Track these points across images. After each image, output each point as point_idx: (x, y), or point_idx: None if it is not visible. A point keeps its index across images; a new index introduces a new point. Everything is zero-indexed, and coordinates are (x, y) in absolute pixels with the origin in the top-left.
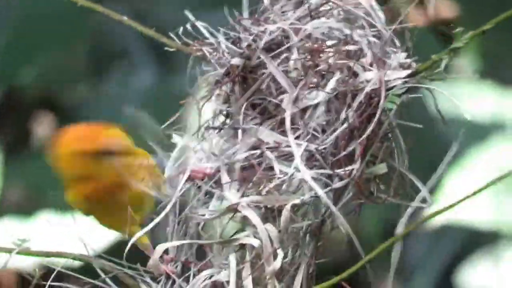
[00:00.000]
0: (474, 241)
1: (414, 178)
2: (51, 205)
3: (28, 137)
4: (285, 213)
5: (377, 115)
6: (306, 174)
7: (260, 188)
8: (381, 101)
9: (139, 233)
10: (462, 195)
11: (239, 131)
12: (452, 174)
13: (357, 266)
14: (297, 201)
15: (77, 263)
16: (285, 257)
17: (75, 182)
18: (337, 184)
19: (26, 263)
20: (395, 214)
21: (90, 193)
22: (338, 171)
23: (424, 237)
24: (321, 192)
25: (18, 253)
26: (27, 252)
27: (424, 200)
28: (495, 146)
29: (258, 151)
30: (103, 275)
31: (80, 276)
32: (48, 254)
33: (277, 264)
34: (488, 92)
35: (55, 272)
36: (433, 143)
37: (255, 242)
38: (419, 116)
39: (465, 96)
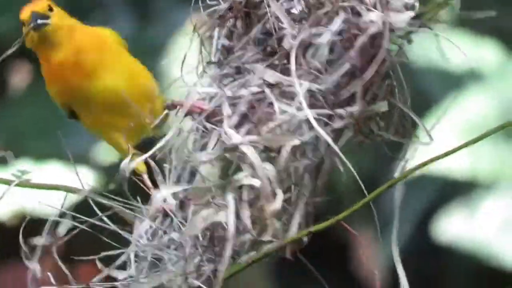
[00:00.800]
0: (449, 191)
1: (416, 117)
2: (29, 154)
3: (5, 86)
4: (285, 153)
5: (380, 55)
6: (309, 113)
7: (260, 128)
8: (384, 42)
9: (139, 159)
10: (438, 144)
11: (241, 68)
12: (428, 123)
13: (356, 207)
14: (297, 142)
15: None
16: (284, 196)
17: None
18: (337, 124)
19: (4, 213)
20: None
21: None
22: (338, 110)
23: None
24: (322, 132)
25: (17, 185)
26: (26, 184)
27: (424, 139)
28: (470, 95)
29: (259, 89)
30: (99, 212)
31: (76, 215)
32: (47, 187)
33: (277, 204)
34: (463, 41)
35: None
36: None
37: (255, 182)
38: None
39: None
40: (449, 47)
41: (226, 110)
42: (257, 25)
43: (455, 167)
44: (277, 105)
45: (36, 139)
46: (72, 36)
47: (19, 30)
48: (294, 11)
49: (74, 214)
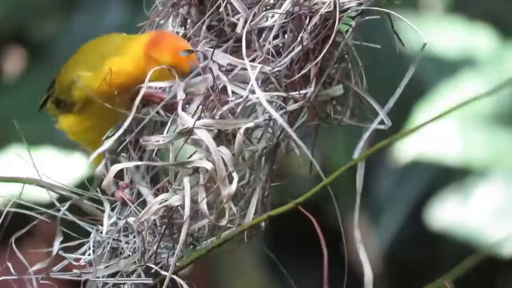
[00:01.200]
0: (442, 177)
1: (371, 99)
2: (20, 139)
3: None
4: (239, 136)
5: (332, 36)
6: (261, 96)
7: (214, 112)
8: (336, 23)
9: (95, 153)
10: (430, 130)
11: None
12: (421, 109)
13: (314, 190)
14: (250, 124)
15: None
16: (240, 180)
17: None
18: (292, 106)
19: None
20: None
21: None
22: (293, 93)
23: (392, 173)
24: (275, 114)
25: None
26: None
27: (382, 122)
28: (464, 81)
29: (212, 74)
30: (58, 204)
31: (35, 207)
32: (5, 179)
33: (232, 187)
34: (457, 27)
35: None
36: (393, 70)
37: (208, 165)
38: (381, 41)
39: (434, 30)
40: (441, 33)
41: (180, 94)
42: (210, 12)
43: (449, 154)
44: (230, 88)
45: (29, 125)
46: None
47: (8, 16)
48: None
49: (32, 206)
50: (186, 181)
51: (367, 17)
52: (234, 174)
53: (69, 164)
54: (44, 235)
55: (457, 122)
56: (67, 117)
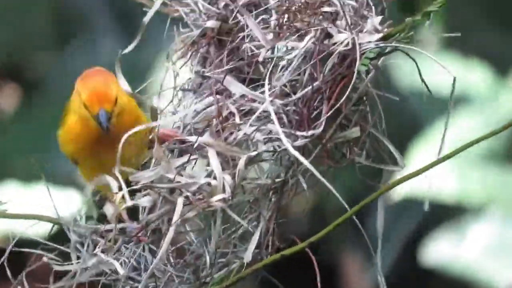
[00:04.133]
0: (437, 215)
1: (388, 142)
2: (14, 176)
3: None
4: (241, 165)
5: (353, 79)
6: (278, 128)
7: (223, 137)
8: (355, 62)
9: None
10: (405, 165)
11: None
12: (416, 146)
13: (328, 228)
14: (253, 153)
15: (42, 234)
16: (240, 213)
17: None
18: (299, 142)
19: None
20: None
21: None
22: (301, 133)
23: (387, 210)
24: (289, 146)
25: None
26: (4, 214)
27: (396, 164)
28: (459, 118)
29: (222, 102)
30: (72, 238)
31: (49, 243)
32: (24, 216)
33: (226, 194)
34: (452, 64)
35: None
36: (397, 113)
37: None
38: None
39: (429, 67)
40: (438, 71)
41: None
42: (228, 49)
43: (444, 191)
44: (238, 118)
45: (23, 161)
46: (118, 121)
47: (1, 51)
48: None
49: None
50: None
51: (385, 58)
52: (228, 188)
53: (64, 200)
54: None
55: (452, 159)
56: (78, 166)
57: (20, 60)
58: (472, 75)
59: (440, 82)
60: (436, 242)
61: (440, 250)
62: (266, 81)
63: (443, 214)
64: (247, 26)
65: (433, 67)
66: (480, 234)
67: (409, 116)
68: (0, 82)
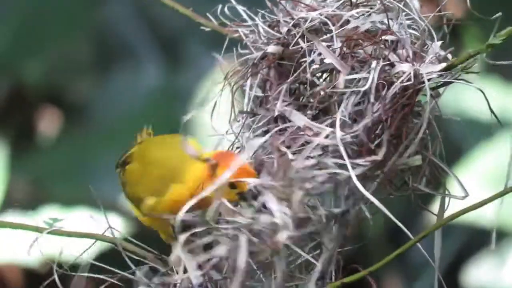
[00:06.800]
0: (478, 240)
1: (449, 169)
2: (55, 200)
3: (34, 132)
4: (296, 198)
5: (411, 107)
6: (347, 159)
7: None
8: (416, 94)
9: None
10: (469, 193)
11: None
12: (457, 173)
13: (391, 257)
14: (309, 186)
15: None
16: (307, 246)
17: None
18: (357, 171)
19: (31, 260)
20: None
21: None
22: (358, 161)
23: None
24: (357, 181)
25: (49, 232)
26: (58, 232)
27: (459, 192)
28: (500, 143)
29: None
30: (129, 262)
31: (100, 264)
32: (79, 235)
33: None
34: (492, 88)
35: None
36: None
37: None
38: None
39: (470, 93)
40: (479, 96)
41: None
42: (291, 74)
43: (484, 215)
44: (290, 154)
45: (63, 186)
46: None
47: (44, 76)
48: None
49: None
50: (243, 238)
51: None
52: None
53: (105, 225)
54: None
55: (492, 184)
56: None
57: (61, 84)
58: None
59: (481, 107)
60: (477, 267)
61: (482, 275)
62: (338, 116)
63: (484, 239)
64: (311, 52)
65: (471, 92)
66: None
67: (449, 141)
68: (42, 106)
